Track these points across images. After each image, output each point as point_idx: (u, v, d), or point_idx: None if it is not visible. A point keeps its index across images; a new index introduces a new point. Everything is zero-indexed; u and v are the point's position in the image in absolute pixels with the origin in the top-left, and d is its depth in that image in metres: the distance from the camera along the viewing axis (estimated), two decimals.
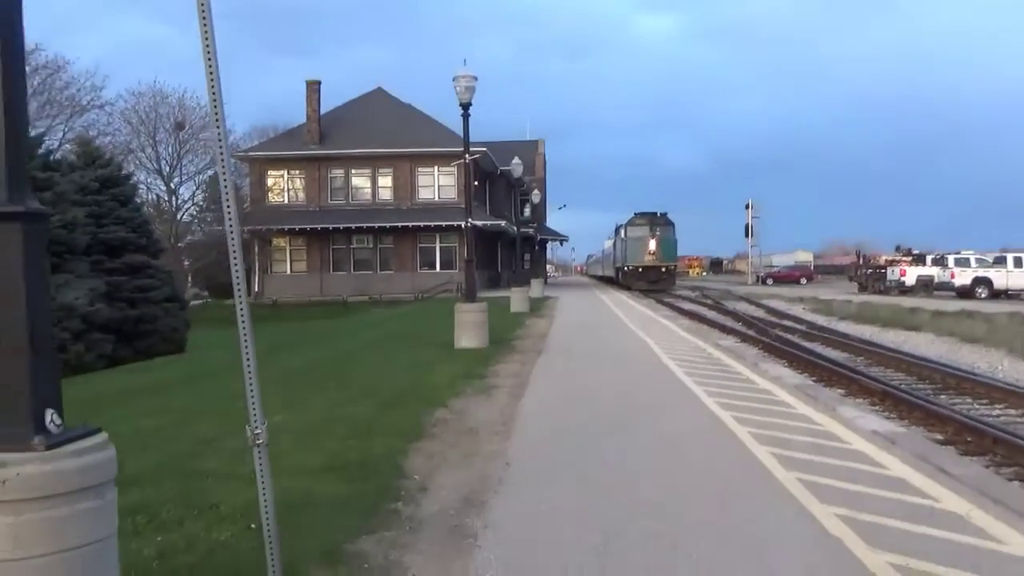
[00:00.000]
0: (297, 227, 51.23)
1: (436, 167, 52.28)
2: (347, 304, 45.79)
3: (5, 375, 2.92)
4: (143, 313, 21.96)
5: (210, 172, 53.76)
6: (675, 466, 7.14)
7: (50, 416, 2.97)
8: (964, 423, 10.53)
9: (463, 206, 23.85)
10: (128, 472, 5.55)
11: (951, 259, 44.59)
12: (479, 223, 43.74)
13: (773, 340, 21.55)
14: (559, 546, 5.08)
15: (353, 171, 53.36)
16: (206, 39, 3.73)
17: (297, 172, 53.89)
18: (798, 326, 27.47)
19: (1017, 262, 43.09)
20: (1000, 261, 43.74)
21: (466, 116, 18.05)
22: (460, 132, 20.12)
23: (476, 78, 17.61)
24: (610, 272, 67.43)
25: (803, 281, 75.60)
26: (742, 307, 37.87)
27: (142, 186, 44.07)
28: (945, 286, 43.57)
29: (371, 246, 53.06)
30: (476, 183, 46.46)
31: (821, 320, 30.73)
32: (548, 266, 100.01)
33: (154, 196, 50.26)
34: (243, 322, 3.95)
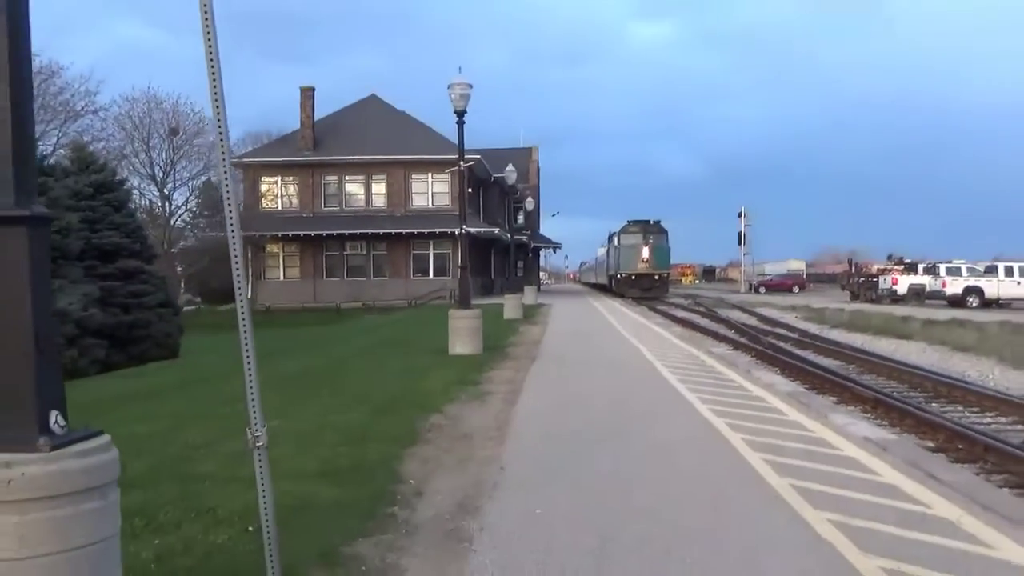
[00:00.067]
0: (290, 233, 51.23)
1: (430, 174, 52.39)
2: (340, 310, 45.75)
3: (10, 376, 2.96)
4: (137, 318, 21.94)
5: (203, 178, 53.73)
6: (669, 472, 7.19)
7: (54, 417, 3.01)
8: (955, 430, 10.60)
9: (457, 213, 23.87)
10: (124, 476, 5.55)
11: (943, 268, 44.78)
12: (473, 230, 43.79)
13: (766, 348, 21.63)
14: (554, 550, 5.12)
15: (347, 177, 53.44)
16: (210, 54, 3.78)
17: (291, 178, 53.94)
18: (790, 334, 27.58)
19: (1008, 271, 43.31)
20: (991, 270, 43.96)
21: (461, 124, 18.13)
22: (454, 139, 20.18)
23: (471, 86, 17.70)
24: (603, 279, 67.55)
25: (795, 289, 75.85)
26: (735, 315, 37.97)
27: (135, 192, 43.99)
28: (937, 295, 43.75)
29: (364, 253, 53.09)
30: (470, 190, 46.57)
31: (813, 328, 30.84)
32: (541, 273, 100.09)
33: (147, 202, 50.20)
34: (244, 326, 3.99)
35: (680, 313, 37.60)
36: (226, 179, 3.97)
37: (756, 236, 77.51)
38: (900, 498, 6.17)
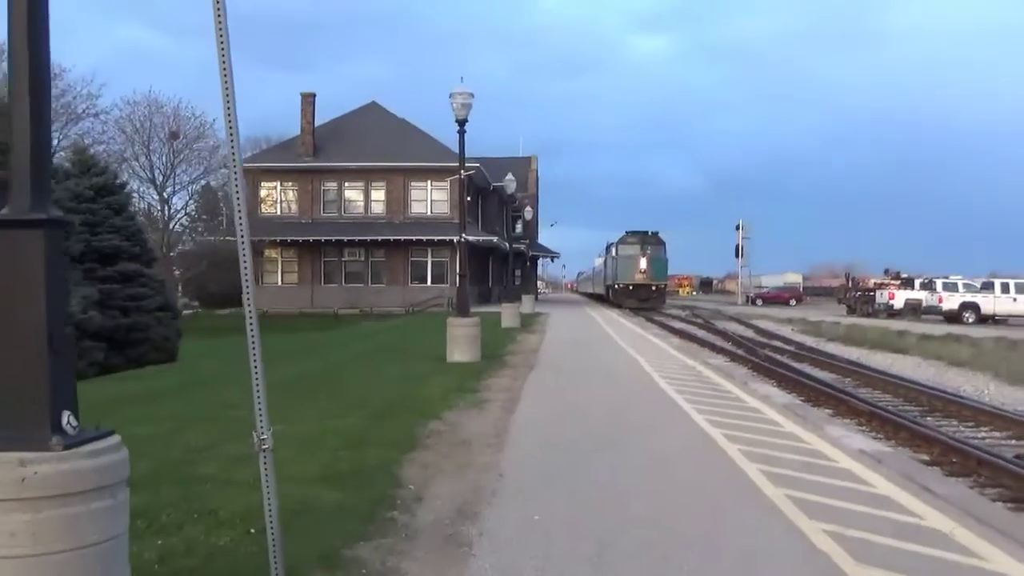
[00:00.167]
0: (289, 239, 51.29)
1: (429, 181, 52.52)
2: (338, 316, 45.82)
3: (24, 376, 3.03)
4: (135, 322, 21.93)
5: (203, 182, 53.83)
6: (666, 481, 7.25)
7: (67, 418, 3.07)
8: (950, 444, 10.66)
9: (455, 221, 23.99)
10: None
11: (939, 283, 44.93)
12: (471, 238, 43.88)
13: (762, 360, 21.69)
14: (552, 556, 5.18)
15: (346, 184, 53.55)
16: (223, 60, 3.86)
17: (290, 184, 54.03)
18: (787, 347, 27.65)
19: (1005, 288, 43.49)
20: (988, 286, 44.14)
21: (462, 132, 18.22)
22: (454, 147, 20.29)
23: (473, 95, 17.80)
24: (600, 289, 67.65)
25: (792, 302, 76.06)
26: (732, 327, 38.05)
27: (134, 195, 44.08)
28: (933, 310, 43.91)
29: (363, 259, 53.19)
30: (469, 198, 46.66)
31: (810, 341, 30.91)
32: (539, 282, 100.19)
33: (146, 205, 50.31)
34: (252, 331, 4.05)
35: (677, 324, 37.67)
36: (237, 192, 4.04)
37: (753, 249, 77.46)
38: (894, 510, 6.23)
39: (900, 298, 46.58)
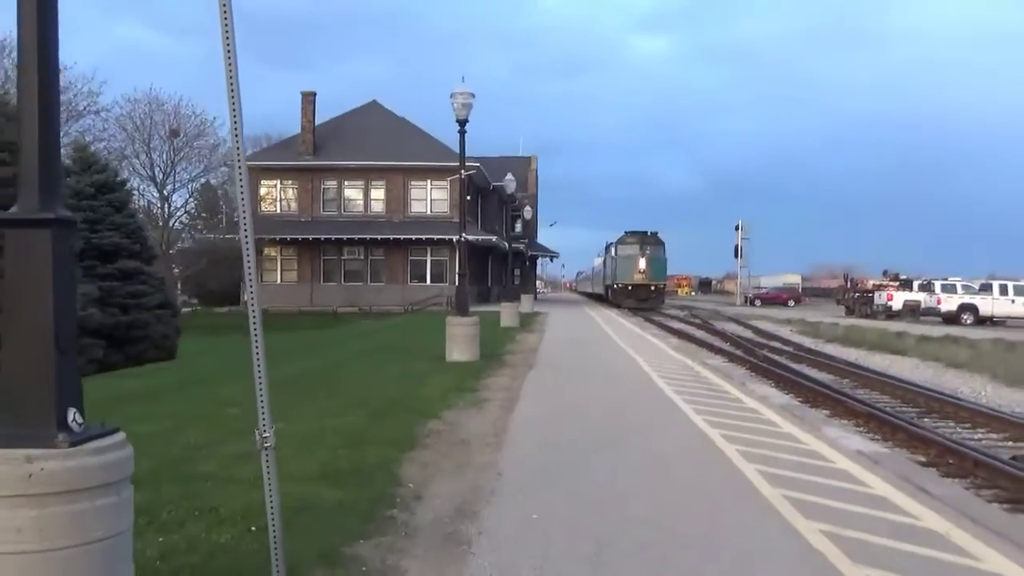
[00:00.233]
0: (288, 237, 51.26)
1: (429, 181, 52.55)
2: (337, 315, 45.81)
3: (31, 374, 3.06)
4: (135, 319, 21.98)
5: (203, 180, 53.86)
6: (664, 481, 7.29)
7: (72, 415, 3.10)
8: (946, 445, 10.72)
9: (455, 220, 24.02)
10: None
11: (938, 285, 45.02)
12: (471, 238, 43.90)
13: (760, 361, 21.74)
14: (551, 555, 5.22)
15: (346, 183, 53.53)
16: (229, 66, 3.89)
17: (290, 182, 54.01)
18: (785, 347, 27.71)
19: (1003, 290, 43.56)
20: (986, 288, 44.20)
21: (462, 132, 18.25)
22: (454, 146, 20.33)
23: (474, 95, 17.82)
24: (599, 289, 67.71)
25: (791, 303, 76.10)
26: (730, 327, 38.11)
27: (134, 192, 44.12)
28: (931, 311, 43.99)
29: (362, 258, 53.19)
30: (468, 198, 46.68)
31: (808, 342, 30.97)
32: (538, 282, 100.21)
33: (145, 202, 50.34)
34: (255, 330, 4.09)
35: (676, 324, 37.72)
36: (241, 189, 4.08)
37: (753, 249, 77.48)
38: (891, 510, 6.28)
39: (899, 299, 46.67)
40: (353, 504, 6.14)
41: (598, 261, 73.86)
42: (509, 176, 42.18)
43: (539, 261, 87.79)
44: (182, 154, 52.26)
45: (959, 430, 12.91)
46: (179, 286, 54.55)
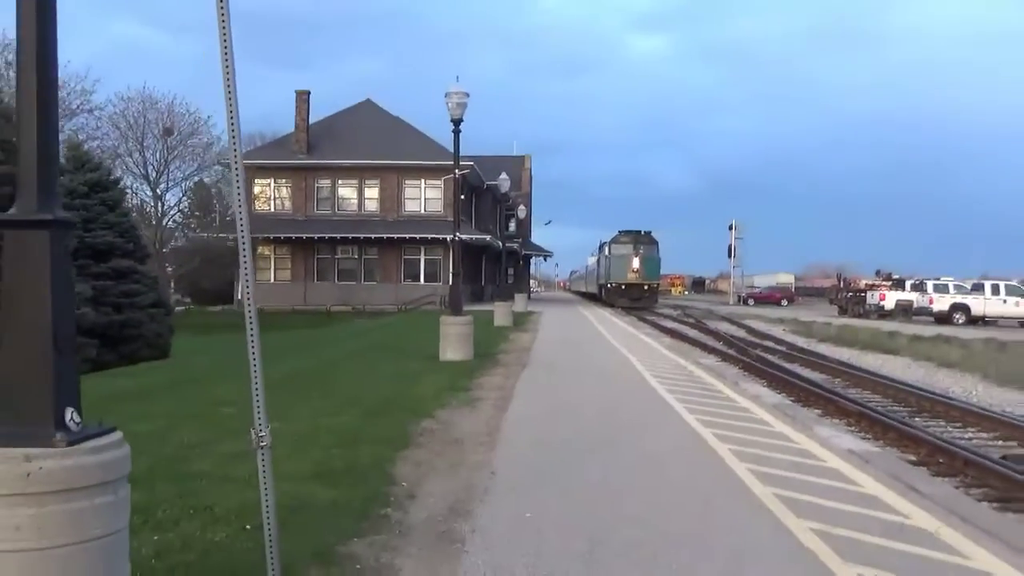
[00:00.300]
0: (282, 236, 51.21)
1: (423, 180, 52.58)
2: (330, 314, 45.78)
3: (30, 374, 3.09)
4: (128, 318, 21.94)
5: (196, 178, 53.76)
6: (657, 480, 7.34)
7: (70, 414, 3.13)
8: (937, 445, 10.78)
9: (449, 219, 24.03)
10: None
11: (930, 285, 45.19)
12: (465, 237, 43.95)
13: (753, 360, 21.81)
14: (544, 553, 5.26)
15: (340, 181, 53.53)
16: (226, 66, 3.92)
17: (284, 181, 53.97)
18: (778, 347, 27.78)
19: (995, 290, 43.75)
20: (978, 288, 44.38)
21: (457, 132, 18.26)
22: (448, 145, 20.37)
23: (468, 95, 17.85)
24: (593, 288, 67.74)
25: (784, 303, 76.28)
26: (723, 327, 38.19)
27: (128, 191, 44.02)
28: (924, 311, 44.15)
29: (356, 257, 53.19)
30: (462, 197, 46.71)
31: (801, 342, 31.06)
32: (531, 281, 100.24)
33: (139, 201, 50.23)
34: (251, 329, 4.12)
35: (669, 324, 37.78)
36: (239, 189, 4.10)
37: (746, 249, 77.95)
38: (881, 509, 6.33)
39: (891, 299, 46.81)
40: (347, 503, 6.17)
41: (592, 260, 73.91)
42: (503, 175, 42.12)
43: (533, 260, 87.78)
44: (176, 152, 52.15)
45: (950, 429, 12.98)
46: (172, 285, 54.46)
